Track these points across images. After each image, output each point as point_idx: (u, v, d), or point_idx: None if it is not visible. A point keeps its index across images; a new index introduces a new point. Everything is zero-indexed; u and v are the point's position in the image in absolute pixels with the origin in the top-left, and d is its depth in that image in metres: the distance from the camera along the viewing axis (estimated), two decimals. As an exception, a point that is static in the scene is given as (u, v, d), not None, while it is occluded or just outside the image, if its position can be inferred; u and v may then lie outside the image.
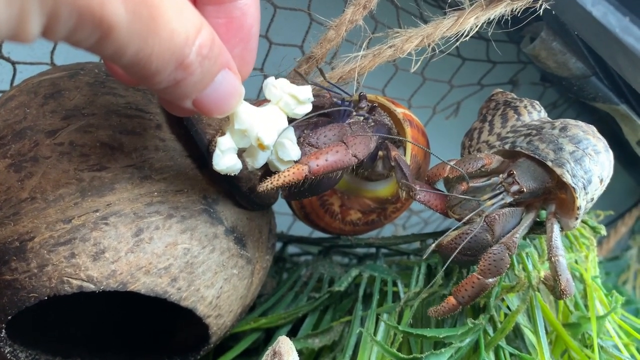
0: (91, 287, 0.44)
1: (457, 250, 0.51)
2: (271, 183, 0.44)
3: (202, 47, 0.33)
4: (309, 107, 0.45)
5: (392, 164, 0.55)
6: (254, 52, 0.42)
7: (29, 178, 0.45)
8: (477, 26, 0.56)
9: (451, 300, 0.52)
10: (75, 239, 0.44)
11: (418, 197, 0.55)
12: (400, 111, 0.61)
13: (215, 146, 0.43)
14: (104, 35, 0.29)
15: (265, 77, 0.46)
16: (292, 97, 0.44)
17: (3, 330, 0.46)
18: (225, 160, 0.43)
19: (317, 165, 0.46)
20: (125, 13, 0.29)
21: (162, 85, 0.34)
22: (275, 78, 0.45)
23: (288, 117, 0.45)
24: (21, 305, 0.44)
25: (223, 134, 0.43)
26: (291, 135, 0.45)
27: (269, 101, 0.45)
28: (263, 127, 0.42)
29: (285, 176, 0.44)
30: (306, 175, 0.45)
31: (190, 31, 0.32)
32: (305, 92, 0.44)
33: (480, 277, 0.50)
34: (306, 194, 0.53)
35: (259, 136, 0.42)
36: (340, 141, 0.49)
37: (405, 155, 0.59)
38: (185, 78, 0.34)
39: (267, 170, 0.47)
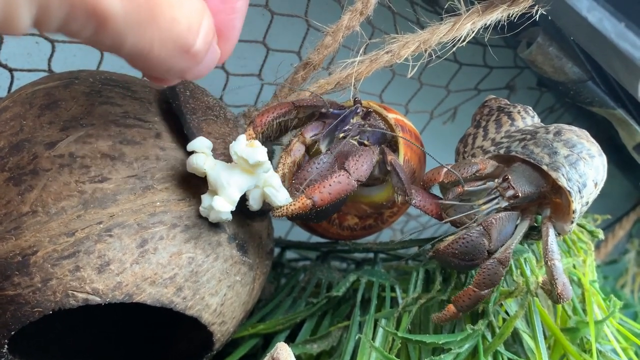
0: (97, 299, 0.43)
1: (454, 255, 0.52)
2: (281, 212, 0.50)
3: (207, 35, 0.33)
4: (267, 166, 0.48)
5: (388, 168, 0.55)
6: (236, 30, 0.40)
7: (29, 191, 0.44)
8: (473, 31, 0.57)
9: (451, 308, 0.54)
10: (80, 252, 0.43)
11: (413, 201, 0.55)
12: (392, 117, 0.61)
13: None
14: (99, 25, 0.29)
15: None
16: (244, 160, 0.47)
17: (5, 346, 0.45)
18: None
19: (322, 200, 0.50)
20: (120, 2, 0.28)
21: (170, 75, 0.34)
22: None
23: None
24: (25, 321, 0.43)
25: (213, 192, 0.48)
26: (275, 182, 0.49)
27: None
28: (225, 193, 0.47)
29: (293, 207, 0.50)
30: (311, 208, 0.50)
31: (193, 19, 0.32)
32: (256, 155, 0.47)
33: (476, 289, 0.52)
34: (320, 219, 0.56)
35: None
36: (342, 169, 0.51)
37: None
38: (192, 67, 0.34)
39: None
